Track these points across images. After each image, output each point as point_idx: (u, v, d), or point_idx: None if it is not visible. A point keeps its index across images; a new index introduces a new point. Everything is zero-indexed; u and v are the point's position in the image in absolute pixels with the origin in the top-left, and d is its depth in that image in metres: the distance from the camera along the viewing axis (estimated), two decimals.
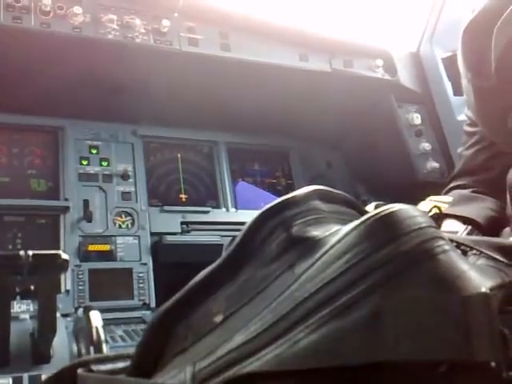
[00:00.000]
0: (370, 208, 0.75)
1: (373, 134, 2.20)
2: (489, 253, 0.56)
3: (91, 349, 1.05)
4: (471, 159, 1.27)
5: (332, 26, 2.06)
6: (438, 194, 1.29)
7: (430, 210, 0.91)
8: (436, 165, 2.08)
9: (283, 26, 1.96)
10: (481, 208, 1.10)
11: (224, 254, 0.52)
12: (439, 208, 1.06)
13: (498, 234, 0.92)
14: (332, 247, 0.46)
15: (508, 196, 1.00)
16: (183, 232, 1.92)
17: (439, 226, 0.91)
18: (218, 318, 0.49)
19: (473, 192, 1.19)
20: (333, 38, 2.04)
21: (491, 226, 0.95)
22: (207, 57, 1.84)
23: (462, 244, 0.58)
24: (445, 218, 1.04)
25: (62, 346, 1.15)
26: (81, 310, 1.22)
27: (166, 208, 1.94)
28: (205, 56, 1.84)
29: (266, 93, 2.03)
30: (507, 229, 0.96)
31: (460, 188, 1.26)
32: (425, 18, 2.11)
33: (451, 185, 1.33)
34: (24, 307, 1.43)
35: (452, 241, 0.52)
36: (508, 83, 0.85)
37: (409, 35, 2.21)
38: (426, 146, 2.09)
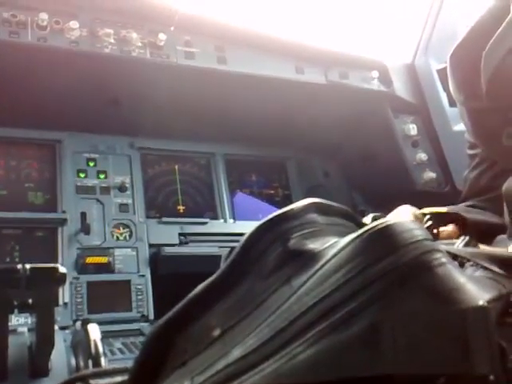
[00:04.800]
0: (368, 220, 0.75)
1: (369, 144, 2.21)
2: (486, 264, 0.57)
3: (89, 362, 1.04)
4: (475, 181, 1.28)
5: (327, 38, 2.08)
6: (435, 203, 1.29)
7: (426, 222, 0.91)
8: (433, 175, 2.08)
9: (279, 38, 1.98)
10: (472, 214, 1.11)
11: (221, 267, 0.52)
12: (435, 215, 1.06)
13: (490, 241, 0.92)
14: (329, 260, 0.46)
15: (504, 205, 1.00)
16: (181, 243, 1.92)
17: (436, 237, 0.92)
18: (216, 332, 0.49)
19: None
20: (328, 50, 2.06)
21: (481, 230, 0.95)
22: (203, 70, 1.85)
23: (459, 256, 0.58)
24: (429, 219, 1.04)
25: (60, 360, 1.14)
26: (79, 323, 1.21)
27: (163, 220, 1.94)
28: (201, 69, 1.85)
29: (263, 105, 2.03)
30: (502, 236, 0.96)
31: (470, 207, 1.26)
32: (419, 29, 2.12)
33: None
34: (22, 320, 1.43)
35: (449, 253, 0.53)
36: (499, 105, 0.86)
37: (404, 47, 2.22)
38: (423, 156, 2.10)
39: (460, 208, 1.20)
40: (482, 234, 0.81)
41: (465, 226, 1.02)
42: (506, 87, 0.85)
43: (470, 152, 1.30)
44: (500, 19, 0.85)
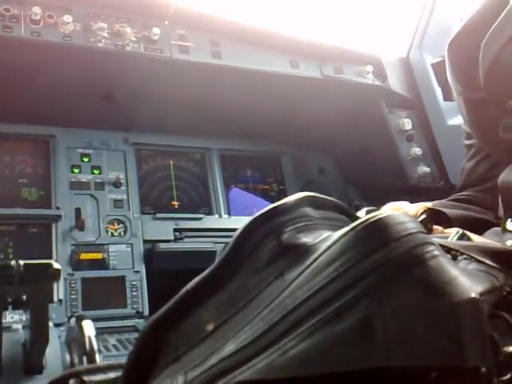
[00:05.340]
0: (362, 214, 0.75)
1: (364, 139, 2.21)
2: (479, 258, 0.57)
3: (84, 359, 1.04)
4: (472, 171, 1.28)
5: (322, 32, 2.07)
6: (429, 198, 1.30)
7: (420, 215, 0.91)
8: (427, 169, 2.09)
9: (274, 33, 1.97)
10: (456, 209, 1.11)
11: (215, 262, 0.52)
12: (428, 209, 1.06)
13: (479, 234, 0.93)
14: (322, 254, 0.46)
15: (499, 197, 1.01)
16: (176, 239, 1.91)
17: (430, 231, 0.92)
18: (210, 327, 0.49)
19: (471, 204, 1.20)
20: (323, 45, 2.05)
21: (467, 226, 0.95)
22: (198, 64, 1.84)
23: (453, 249, 0.58)
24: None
25: (54, 356, 1.13)
26: (73, 320, 1.21)
27: (158, 215, 1.94)
28: (196, 63, 1.84)
29: (258, 99, 2.03)
30: (495, 229, 0.97)
31: (462, 199, 1.27)
32: (414, 23, 2.12)
33: (454, 196, 1.33)
34: (16, 317, 1.42)
35: (442, 246, 0.53)
36: (497, 96, 0.86)
37: (398, 41, 2.22)
38: (417, 150, 2.10)
39: (445, 204, 1.21)
40: (469, 229, 0.81)
41: (449, 224, 1.03)
42: (504, 78, 0.85)
43: (467, 142, 1.31)
44: (499, 9, 0.85)
